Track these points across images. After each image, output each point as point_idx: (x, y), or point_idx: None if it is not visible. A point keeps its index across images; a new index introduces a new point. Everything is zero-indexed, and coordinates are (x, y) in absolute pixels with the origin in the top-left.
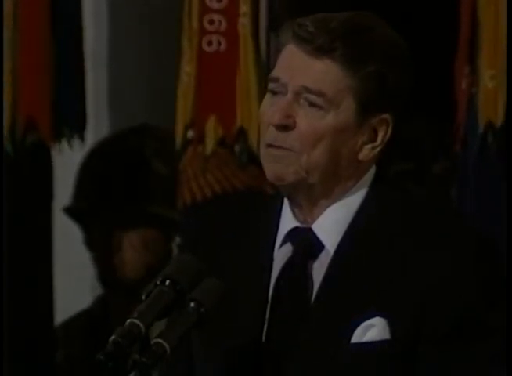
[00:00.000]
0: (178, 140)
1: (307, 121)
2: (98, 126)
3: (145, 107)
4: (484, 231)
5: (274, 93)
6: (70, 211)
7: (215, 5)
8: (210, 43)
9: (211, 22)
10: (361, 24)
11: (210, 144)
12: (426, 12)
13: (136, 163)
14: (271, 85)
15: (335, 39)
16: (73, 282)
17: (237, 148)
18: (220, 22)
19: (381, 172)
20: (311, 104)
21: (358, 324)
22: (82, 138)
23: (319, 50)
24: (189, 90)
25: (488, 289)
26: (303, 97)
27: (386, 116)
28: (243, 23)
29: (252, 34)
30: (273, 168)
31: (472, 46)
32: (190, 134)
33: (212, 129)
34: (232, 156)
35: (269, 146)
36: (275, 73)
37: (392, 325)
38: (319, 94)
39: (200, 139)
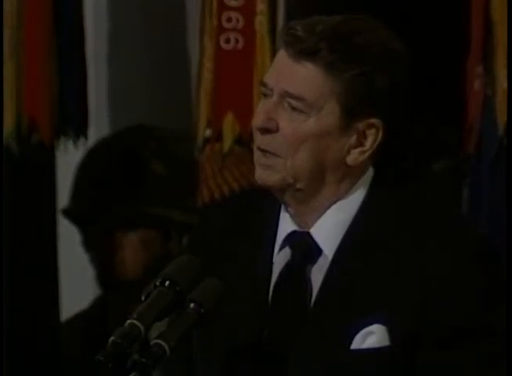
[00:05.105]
0: (200, 138)
1: (289, 124)
2: (99, 125)
3: (146, 107)
4: (496, 234)
5: (265, 96)
6: (67, 212)
7: (233, 3)
8: (227, 41)
9: (229, 20)
10: (349, 28)
11: (227, 142)
12: (434, 12)
13: (134, 163)
14: (262, 89)
15: (318, 42)
16: (78, 282)
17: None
18: (237, 20)
19: (381, 174)
20: (293, 108)
21: (358, 331)
22: (86, 137)
23: (302, 53)
24: (209, 87)
25: (488, 289)
26: (286, 101)
27: (374, 120)
28: (260, 20)
29: (269, 31)
30: (261, 173)
31: (485, 46)
32: (208, 132)
33: (229, 127)
34: (249, 154)
35: (257, 148)
36: (265, 77)
37: (392, 331)
38: (299, 99)
39: (218, 137)
